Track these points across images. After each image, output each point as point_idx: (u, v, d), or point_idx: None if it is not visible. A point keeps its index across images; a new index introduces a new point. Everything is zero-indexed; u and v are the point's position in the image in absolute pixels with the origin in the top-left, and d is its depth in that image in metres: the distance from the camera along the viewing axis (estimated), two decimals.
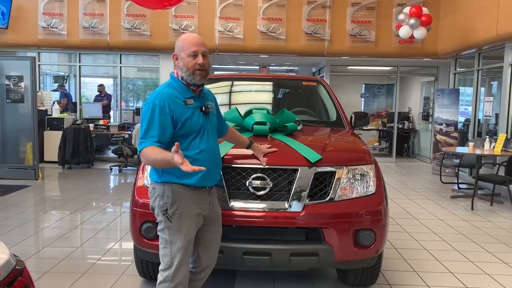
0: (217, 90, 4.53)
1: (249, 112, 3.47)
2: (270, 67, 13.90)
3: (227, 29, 9.66)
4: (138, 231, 2.90)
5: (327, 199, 2.87)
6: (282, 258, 2.80)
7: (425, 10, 8.41)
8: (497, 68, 8.18)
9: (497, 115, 8.20)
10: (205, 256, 2.62)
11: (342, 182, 2.91)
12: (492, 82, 9.55)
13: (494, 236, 5.04)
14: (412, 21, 8.29)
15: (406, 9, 8.44)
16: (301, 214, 2.81)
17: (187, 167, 2.09)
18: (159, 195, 2.43)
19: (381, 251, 3.08)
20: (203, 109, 2.48)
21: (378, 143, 13.40)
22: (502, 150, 6.69)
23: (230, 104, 4.37)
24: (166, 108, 2.35)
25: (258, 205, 2.83)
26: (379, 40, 9.67)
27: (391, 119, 11.87)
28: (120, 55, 10.64)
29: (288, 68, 15.03)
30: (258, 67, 13.78)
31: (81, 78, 11.05)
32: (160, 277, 2.45)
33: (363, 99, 13.97)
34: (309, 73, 14.24)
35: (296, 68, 14.94)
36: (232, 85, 4.68)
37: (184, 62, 2.41)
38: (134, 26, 9.77)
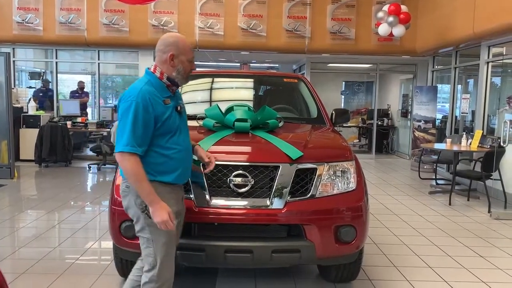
0: (198, 86, 4.50)
1: (230, 109, 3.45)
2: (251, 64, 13.88)
3: (208, 26, 9.60)
4: (118, 230, 2.85)
5: (309, 195, 2.87)
6: (264, 255, 2.79)
7: (403, 8, 8.50)
8: (473, 65, 8.34)
9: (473, 112, 8.37)
10: None
11: (323, 179, 2.92)
12: (468, 80, 9.74)
13: (471, 231, 5.14)
14: (391, 18, 8.37)
15: (385, 7, 8.52)
16: (282, 211, 2.80)
17: None
18: (135, 193, 2.34)
19: (361, 247, 3.11)
20: (178, 109, 2.47)
21: (357, 140, 13.53)
22: (478, 146, 6.84)
23: (211, 101, 4.33)
24: (149, 107, 2.28)
25: (239, 203, 2.82)
26: (358, 37, 9.75)
27: (371, 116, 12.00)
28: (98, 51, 10.45)
29: (269, 65, 15.03)
30: (239, 64, 13.74)
31: (58, 75, 10.79)
32: (144, 278, 2.38)
33: (343, 96, 14.10)
34: (290, 70, 14.27)
35: (277, 65, 14.95)
36: (213, 81, 4.64)
37: (184, 66, 2.42)
38: (113, 21, 9.60)
